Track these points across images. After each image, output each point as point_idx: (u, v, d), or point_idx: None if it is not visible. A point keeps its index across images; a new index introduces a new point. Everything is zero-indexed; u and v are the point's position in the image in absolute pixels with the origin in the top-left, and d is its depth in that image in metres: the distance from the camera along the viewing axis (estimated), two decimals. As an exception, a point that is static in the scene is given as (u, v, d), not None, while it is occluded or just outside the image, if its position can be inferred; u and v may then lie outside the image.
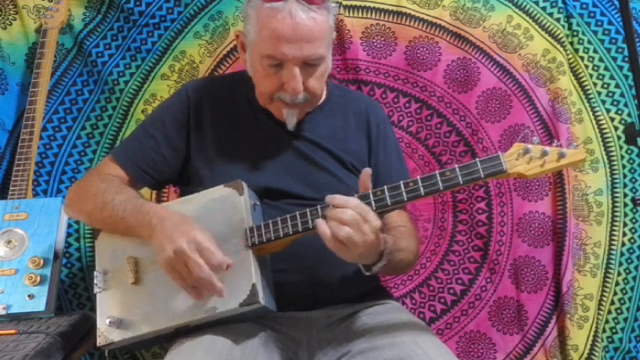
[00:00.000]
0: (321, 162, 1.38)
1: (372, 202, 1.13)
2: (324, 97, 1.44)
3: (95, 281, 1.29)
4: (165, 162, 1.38)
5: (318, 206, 1.16)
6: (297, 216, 1.18)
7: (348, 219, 1.07)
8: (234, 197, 1.24)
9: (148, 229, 1.21)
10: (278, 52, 1.24)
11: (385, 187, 1.14)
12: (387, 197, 1.14)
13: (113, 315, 1.24)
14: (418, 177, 1.14)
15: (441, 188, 1.12)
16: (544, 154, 1.09)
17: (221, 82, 1.55)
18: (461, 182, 1.12)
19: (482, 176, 1.11)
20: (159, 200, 1.87)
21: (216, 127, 1.39)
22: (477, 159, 1.12)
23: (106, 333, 1.24)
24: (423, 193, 1.13)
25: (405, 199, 1.14)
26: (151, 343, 1.31)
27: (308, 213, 1.17)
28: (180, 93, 1.45)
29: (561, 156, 1.09)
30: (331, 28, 1.31)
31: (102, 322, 1.25)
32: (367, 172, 1.15)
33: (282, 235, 1.19)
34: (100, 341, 1.24)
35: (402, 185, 1.13)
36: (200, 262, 1.12)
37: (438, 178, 1.13)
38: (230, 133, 1.39)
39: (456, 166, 1.13)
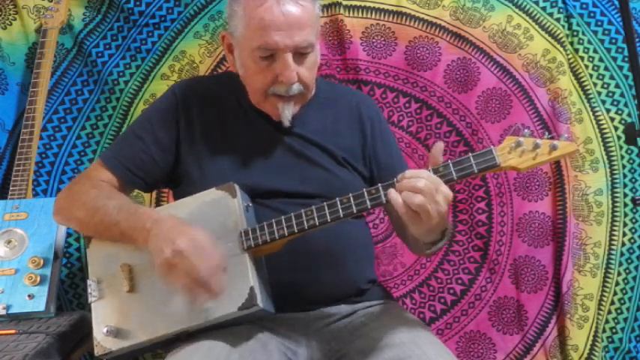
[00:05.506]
0: (313, 157, 1.37)
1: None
2: (312, 92, 1.42)
3: (89, 290, 1.25)
4: (154, 163, 1.36)
5: (314, 206, 1.17)
6: (292, 217, 1.18)
7: (421, 186, 1.07)
8: (227, 200, 1.23)
9: (143, 232, 1.19)
10: (270, 40, 1.23)
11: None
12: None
13: (110, 324, 1.21)
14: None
15: None
16: (536, 146, 1.09)
17: (209, 81, 1.54)
18: (455, 177, 1.12)
19: (476, 171, 1.11)
20: (159, 200, 1.87)
21: (206, 127, 1.38)
22: (470, 154, 1.12)
23: (103, 342, 1.21)
24: None
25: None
26: (149, 350, 1.30)
27: (303, 214, 1.17)
28: (168, 94, 1.43)
29: (553, 148, 1.09)
30: (318, 17, 1.31)
31: (98, 332, 1.22)
32: (440, 145, 1.15)
33: (277, 237, 1.19)
34: (97, 351, 1.21)
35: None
36: (198, 263, 1.11)
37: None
38: (220, 133, 1.37)
39: (449, 161, 1.12)
